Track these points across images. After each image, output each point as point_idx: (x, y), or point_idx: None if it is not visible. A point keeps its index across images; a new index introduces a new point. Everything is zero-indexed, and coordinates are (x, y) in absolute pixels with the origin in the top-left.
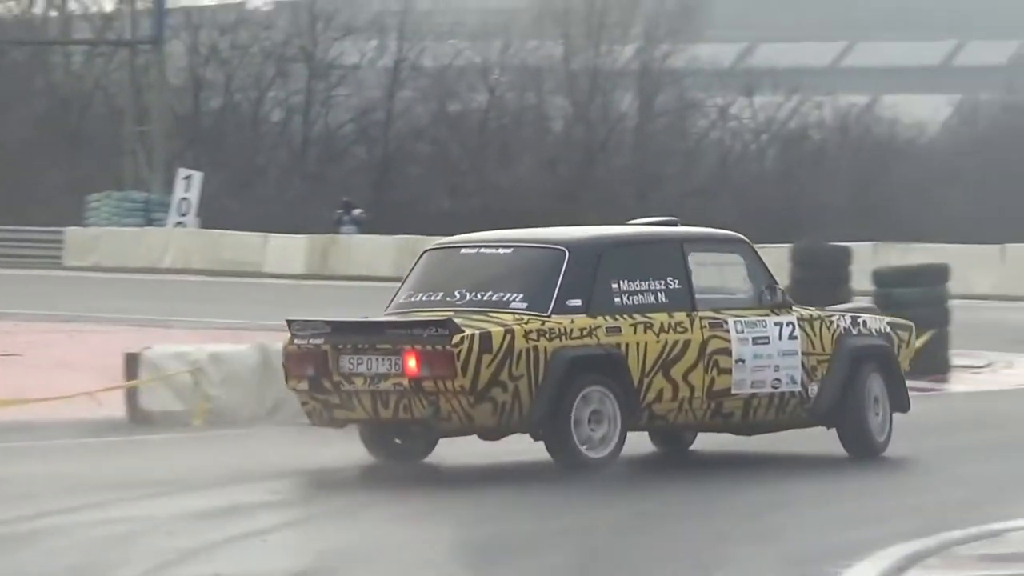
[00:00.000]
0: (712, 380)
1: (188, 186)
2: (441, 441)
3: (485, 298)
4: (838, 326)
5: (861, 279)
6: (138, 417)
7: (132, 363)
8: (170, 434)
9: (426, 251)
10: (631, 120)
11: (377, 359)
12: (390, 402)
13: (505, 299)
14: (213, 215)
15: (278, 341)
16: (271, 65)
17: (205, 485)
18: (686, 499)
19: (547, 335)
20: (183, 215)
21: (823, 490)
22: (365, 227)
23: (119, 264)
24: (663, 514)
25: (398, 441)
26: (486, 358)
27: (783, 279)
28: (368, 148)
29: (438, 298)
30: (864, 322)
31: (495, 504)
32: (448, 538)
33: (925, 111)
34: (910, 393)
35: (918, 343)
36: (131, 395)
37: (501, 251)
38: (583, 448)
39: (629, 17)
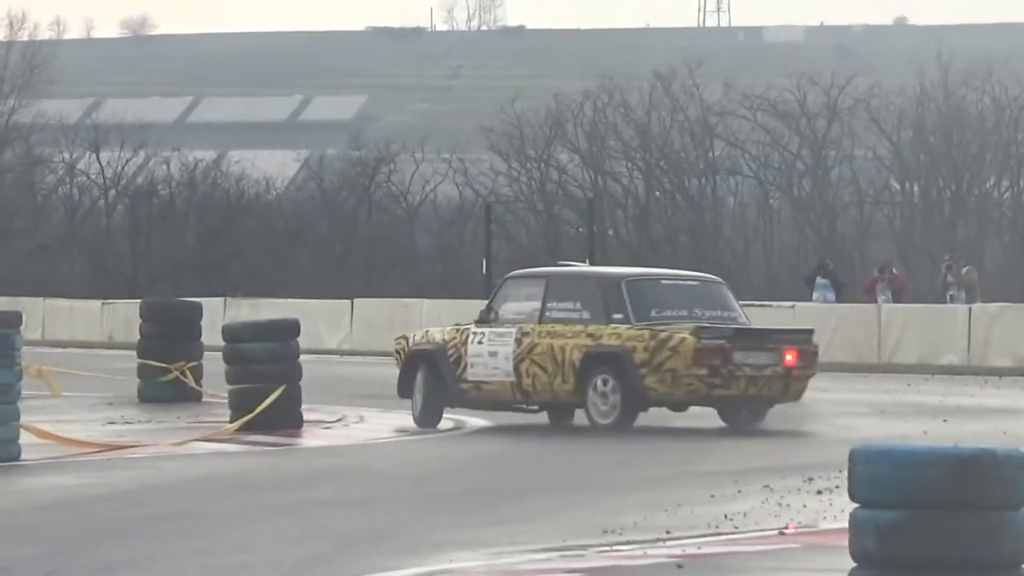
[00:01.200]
0: None
1: None
2: None
3: (718, 315)
4: None
5: (212, 334)
6: None
7: None
8: None
9: (627, 280)
10: None
11: (761, 354)
12: (759, 383)
13: (732, 315)
14: None
15: None
16: None
17: None
18: None
19: None
20: None
21: (154, 547)
22: None
23: None
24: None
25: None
26: None
27: (134, 335)
28: None
29: (684, 313)
30: None
31: None
32: None
33: (272, 166)
34: (264, 449)
35: (271, 399)
36: None
37: (691, 283)
38: None
39: None
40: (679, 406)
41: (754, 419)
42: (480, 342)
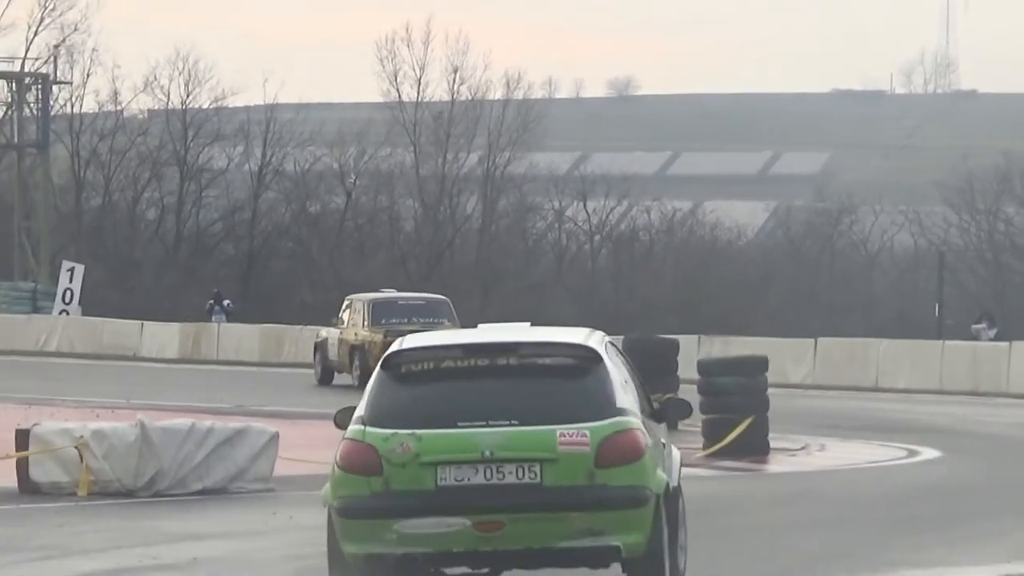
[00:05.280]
0: None
1: (71, 277)
2: None
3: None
4: None
5: (687, 369)
6: (27, 487)
7: (22, 438)
8: (57, 503)
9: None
10: (475, 221)
11: None
12: None
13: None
14: (94, 304)
15: (156, 419)
16: (146, 168)
17: (90, 550)
18: None
19: None
20: (67, 304)
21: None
22: (233, 316)
23: (8, 348)
24: None
25: None
26: None
27: None
28: (235, 244)
29: (405, 320)
30: None
31: None
32: None
33: (743, 216)
34: (734, 474)
35: (740, 427)
36: (21, 467)
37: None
38: None
39: (473, 128)
40: None
41: None
42: None
